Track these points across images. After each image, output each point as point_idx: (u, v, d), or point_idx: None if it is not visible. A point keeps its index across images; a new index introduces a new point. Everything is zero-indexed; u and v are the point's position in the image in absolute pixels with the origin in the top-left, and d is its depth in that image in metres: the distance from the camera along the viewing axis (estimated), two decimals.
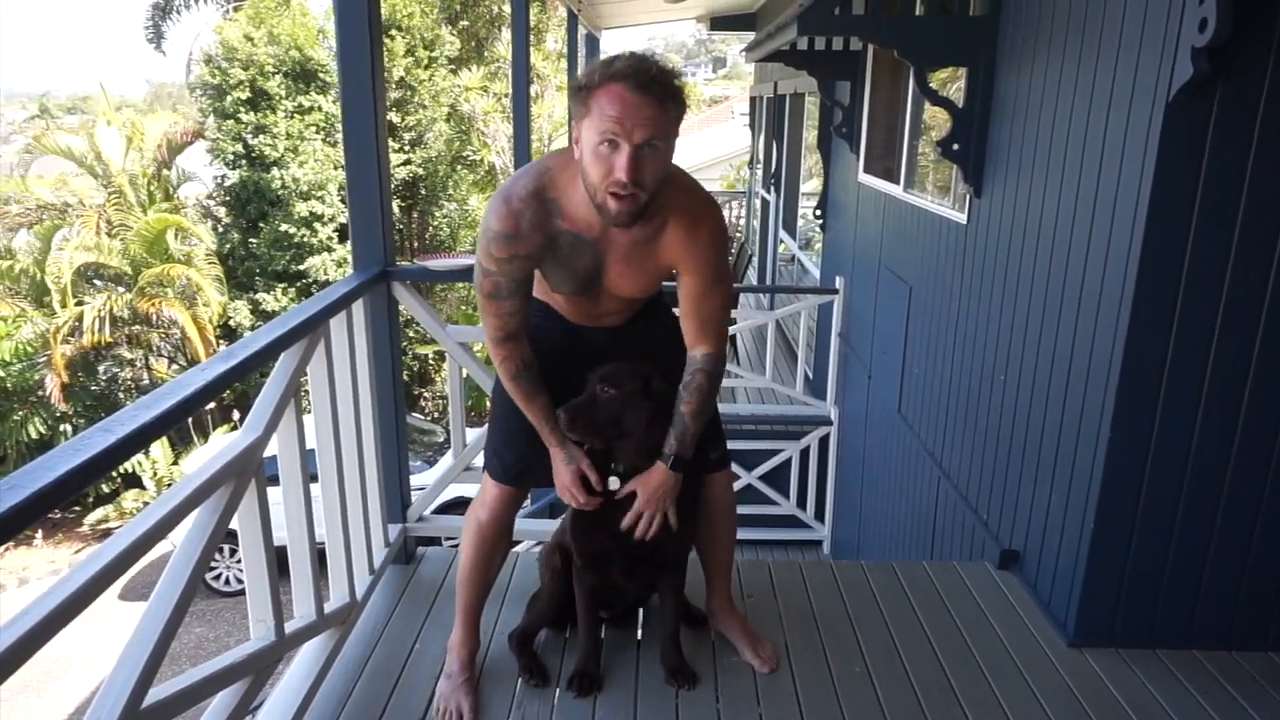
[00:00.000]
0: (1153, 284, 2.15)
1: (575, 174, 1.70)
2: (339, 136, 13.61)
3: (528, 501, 5.41)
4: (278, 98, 13.41)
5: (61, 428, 12.97)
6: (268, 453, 1.83)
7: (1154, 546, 2.34)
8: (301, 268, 13.67)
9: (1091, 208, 2.41)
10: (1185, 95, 2.01)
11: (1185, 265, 2.13)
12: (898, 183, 4.48)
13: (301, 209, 13.47)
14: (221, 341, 14.28)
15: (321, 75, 13.75)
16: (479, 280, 1.80)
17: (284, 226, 13.49)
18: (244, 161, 13.48)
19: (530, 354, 1.88)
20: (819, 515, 5.89)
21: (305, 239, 13.63)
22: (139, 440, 1.35)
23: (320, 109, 13.72)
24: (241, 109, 13.32)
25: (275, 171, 13.37)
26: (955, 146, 3.30)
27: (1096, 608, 2.39)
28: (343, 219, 13.82)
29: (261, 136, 13.31)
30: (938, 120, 4.04)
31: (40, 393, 12.60)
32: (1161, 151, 2.08)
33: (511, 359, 1.86)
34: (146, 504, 12.42)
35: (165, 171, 15.06)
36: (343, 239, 13.92)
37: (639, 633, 2.35)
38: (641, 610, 2.37)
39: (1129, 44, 2.24)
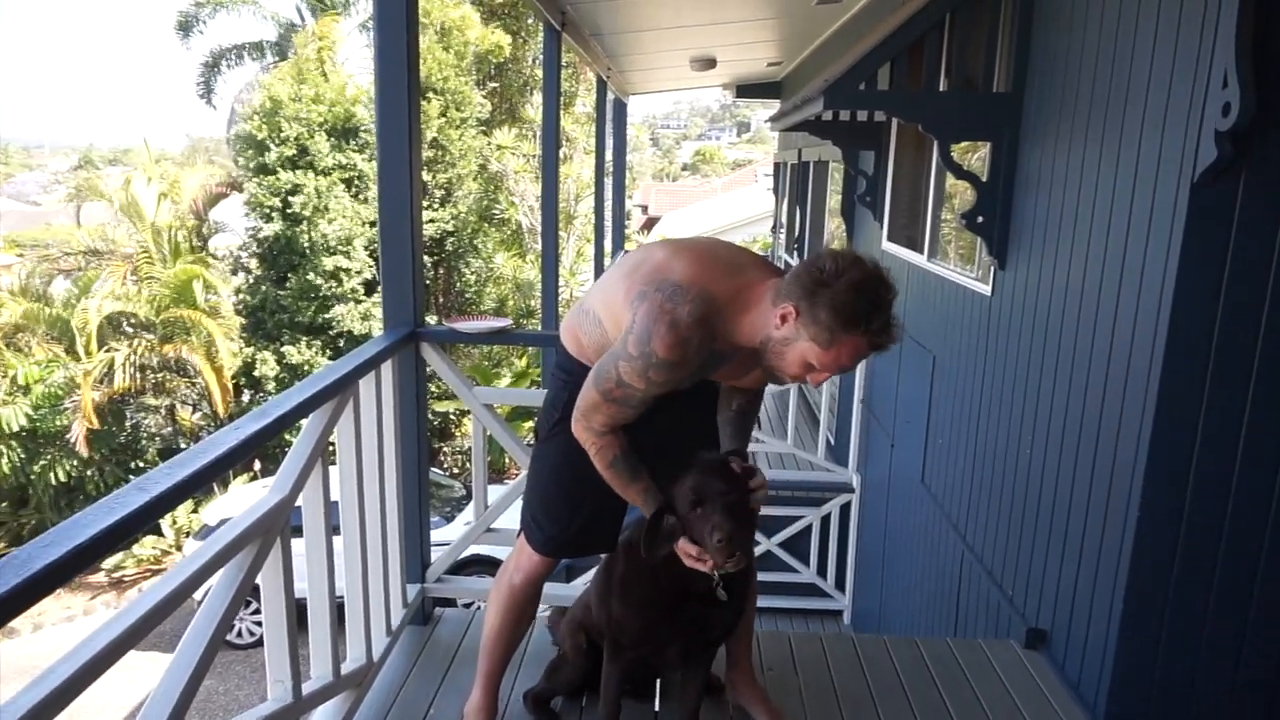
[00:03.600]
0: (1181, 363, 2.15)
1: (742, 308, 1.69)
2: (368, 192, 14.02)
3: None
4: (318, 155, 13.75)
5: (88, 472, 13.12)
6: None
7: (1187, 626, 2.28)
8: (327, 316, 13.88)
9: (1117, 286, 2.41)
10: (1210, 176, 2.04)
11: (1214, 345, 2.12)
12: (921, 252, 4.51)
13: (328, 263, 13.73)
14: (247, 390, 14.47)
15: (364, 133, 14.11)
16: (609, 388, 1.73)
17: (310, 277, 13.76)
18: (278, 215, 13.80)
19: (626, 441, 1.83)
20: (840, 584, 5.79)
21: (332, 290, 13.87)
22: (173, 498, 1.37)
23: (356, 167, 14.06)
24: (284, 166, 13.67)
25: (305, 226, 13.67)
26: (979, 219, 3.32)
27: (1128, 692, 2.33)
28: (369, 273, 14.08)
29: (299, 195, 13.64)
30: (959, 190, 4.08)
31: (67, 438, 12.77)
32: (1188, 231, 2.10)
33: (610, 447, 1.82)
34: (165, 551, 12.51)
35: (197, 223, 15.45)
36: (368, 292, 14.16)
37: (656, 703, 2.31)
38: (660, 680, 2.33)
39: (1153, 125, 2.28)
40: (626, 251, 11.78)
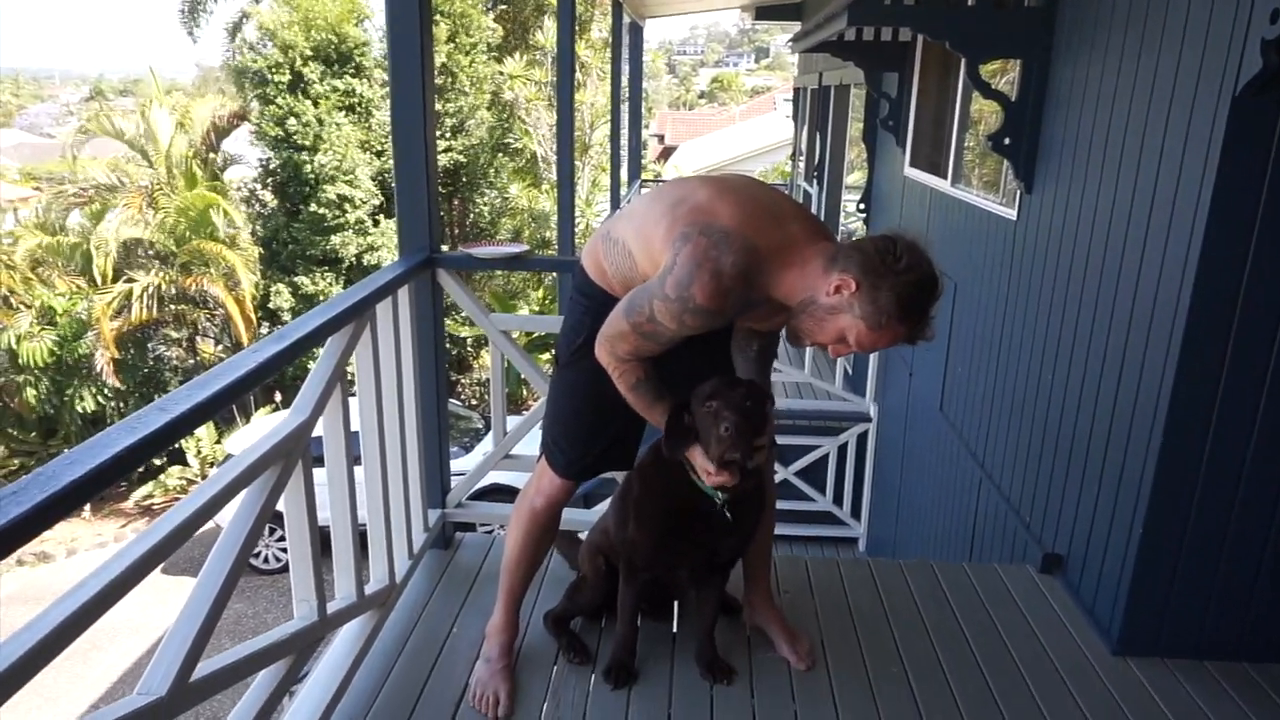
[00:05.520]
0: (1212, 286, 2.09)
1: (786, 264, 1.68)
2: (371, 120, 13.80)
3: None
4: (311, 82, 13.54)
5: (111, 403, 13.33)
6: (313, 434, 1.85)
7: (1204, 554, 2.28)
8: (333, 243, 13.85)
9: (1149, 206, 2.34)
10: (1253, 90, 1.95)
11: (1247, 267, 2.07)
12: (945, 177, 4.41)
13: (330, 191, 13.63)
14: (264, 323, 14.56)
15: (358, 56, 13.86)
16: (639, 321, 1.73)
17: (313, 208, 13.70)
18: (283, 145, 13.67)
19: (650, 366, 1.83)
20: (855, 513, 5.85)
21: (336, 220, 13.80)
22: (193, 419, 1.37)
23: (356, 92, 13.83)
24: (281, 94, 13.49)
25: (306, 154, 13.57)
26: (1006, 140, 3.23)
27: (1142, 615, 2.34)
28: (375, 202, 13.99)
29: (293, 120, 13.49)
30: (985, 115, 3.96)
31: (91, 368, 12.96)
32: (1226, 148, 2.02)
33: (633, 371, 1.83)
34: (190, 481, 12.78)
35: (212, 154, 15.34)
36: (375, 223, 14.09)
37: (674, 625, 2.35)
38: (678, 602, 2.36)
39: (1194, 36, 2.18)
40: (645, 183, 11.60)
